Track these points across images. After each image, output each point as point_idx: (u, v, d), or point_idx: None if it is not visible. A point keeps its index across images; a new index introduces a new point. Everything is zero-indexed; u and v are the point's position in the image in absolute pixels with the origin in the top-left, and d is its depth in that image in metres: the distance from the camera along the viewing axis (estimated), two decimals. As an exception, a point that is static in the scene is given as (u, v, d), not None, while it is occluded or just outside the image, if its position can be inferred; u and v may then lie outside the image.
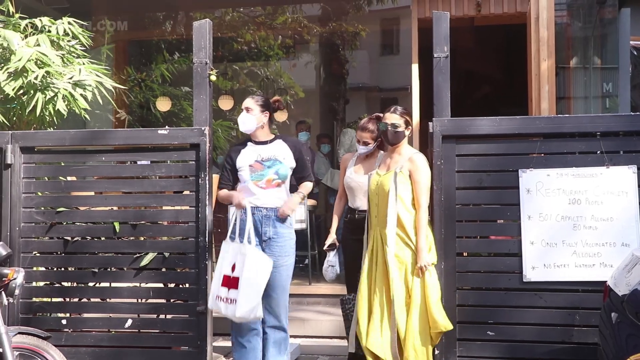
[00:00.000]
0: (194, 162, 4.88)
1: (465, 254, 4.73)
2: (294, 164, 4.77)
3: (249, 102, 4.79)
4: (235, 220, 4.61)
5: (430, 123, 4.69)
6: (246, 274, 4.39)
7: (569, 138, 4.65)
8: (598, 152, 4.53)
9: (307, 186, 4.87)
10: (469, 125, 4.68)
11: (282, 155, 4.72)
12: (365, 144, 5.09)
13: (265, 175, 4.65)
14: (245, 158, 4.73)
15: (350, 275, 5.13)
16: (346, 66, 11.84)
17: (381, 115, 4.89)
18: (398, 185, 4.51)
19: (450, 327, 4.44)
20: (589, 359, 4.27)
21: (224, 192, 4.80)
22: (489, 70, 12.88)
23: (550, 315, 4.54)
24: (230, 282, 4.43)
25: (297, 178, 4.83)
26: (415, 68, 7.71)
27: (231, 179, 4.80)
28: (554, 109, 7.50)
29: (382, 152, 5.05)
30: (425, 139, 4.97)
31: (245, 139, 4.90)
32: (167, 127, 5.23)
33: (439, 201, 4.62)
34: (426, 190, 4.55)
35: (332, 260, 5.11)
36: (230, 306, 4.40)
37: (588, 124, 4.66)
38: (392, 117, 4.66)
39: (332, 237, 5.18)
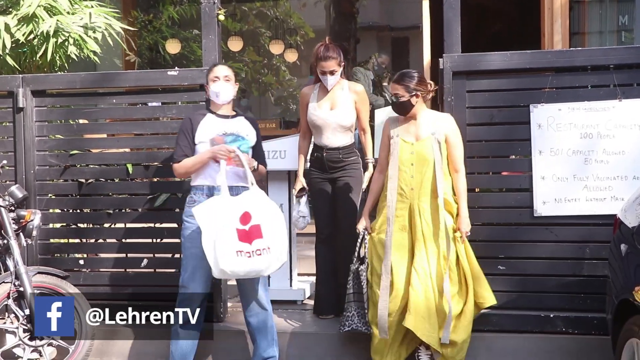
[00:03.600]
0: (204, 103, 4.87)
1: (477, 189, 4.74)
2: (254, 143, 4.37)
3: (226, 70, 4.33)
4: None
5: (440, 59, 4.64)
6: (270, 216, 4.06)
7: (581, 72, 4.60)
8: (611, 85, 4.48)
9: (263, 169, 4.44)
10: (479, 60, 4.63)
11: (246, 132, 4.32)
12: (332, 73, 4.74)
13: None
14: (206, 131, 4.24)
15: (320, 218, 4.96)
16: (356, 5, 11.68)
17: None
18: (442, 153, 4.24)
19: (494, 301, 4.31)
20: (598, 292, 4.32)
21: (189, 159, 4.21)
22: (502, 5, 12.66)
23: (560, 249, 4.57)
24: (250, 234, 3.97)
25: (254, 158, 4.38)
26: (426, 5, 7.60)
27: (191, 149, 4.25)
28: (567, 44, 7.39)
29: (344, 80, 4.83)
30: (436, 76, 4.93)
31: (202, 109, 4.50)
32: (176, 68, 5.21)
33: (450, 138, 4.60)
34: (462, 152, 4.36)
35: (303, 211, 4.87)
36: (261, 258, 3.96)
37: (601, 57, 4.59)
38: (394, 87, 4.24)
39: (301, 182, 4.90)
